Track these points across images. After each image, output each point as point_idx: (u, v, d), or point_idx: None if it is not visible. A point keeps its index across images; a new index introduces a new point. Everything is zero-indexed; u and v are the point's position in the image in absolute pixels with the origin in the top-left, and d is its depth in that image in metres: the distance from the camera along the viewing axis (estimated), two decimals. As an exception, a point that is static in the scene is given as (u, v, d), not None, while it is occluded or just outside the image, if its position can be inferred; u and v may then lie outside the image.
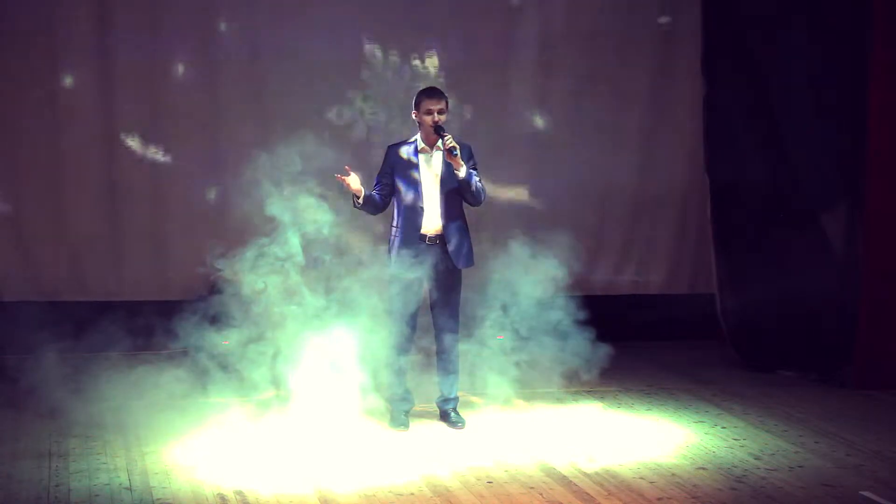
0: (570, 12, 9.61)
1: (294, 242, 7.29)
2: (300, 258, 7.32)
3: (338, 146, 7.76)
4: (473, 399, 7.92)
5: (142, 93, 9.03)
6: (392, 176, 7.22)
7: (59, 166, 8.99)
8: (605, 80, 9.70)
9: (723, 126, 9.21)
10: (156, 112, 9.09)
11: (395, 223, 7.27)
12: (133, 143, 9.07)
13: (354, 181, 7.10)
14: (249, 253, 7.33)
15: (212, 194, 9.14)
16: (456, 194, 7.18)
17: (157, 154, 9.12)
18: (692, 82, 9.56)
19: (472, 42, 9.50)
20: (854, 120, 8.38)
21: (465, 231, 7.26)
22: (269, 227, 7.37)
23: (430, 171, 7.20)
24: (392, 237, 7.28)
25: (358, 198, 7.13)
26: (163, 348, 8.14)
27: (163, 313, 8.20)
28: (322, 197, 7.30)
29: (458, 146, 6.98)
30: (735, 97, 9.12)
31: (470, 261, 7.30)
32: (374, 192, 7.23)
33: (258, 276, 7.33)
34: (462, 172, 7.04)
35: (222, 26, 9.14)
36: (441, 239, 7.19)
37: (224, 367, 7.52)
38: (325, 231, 7.32)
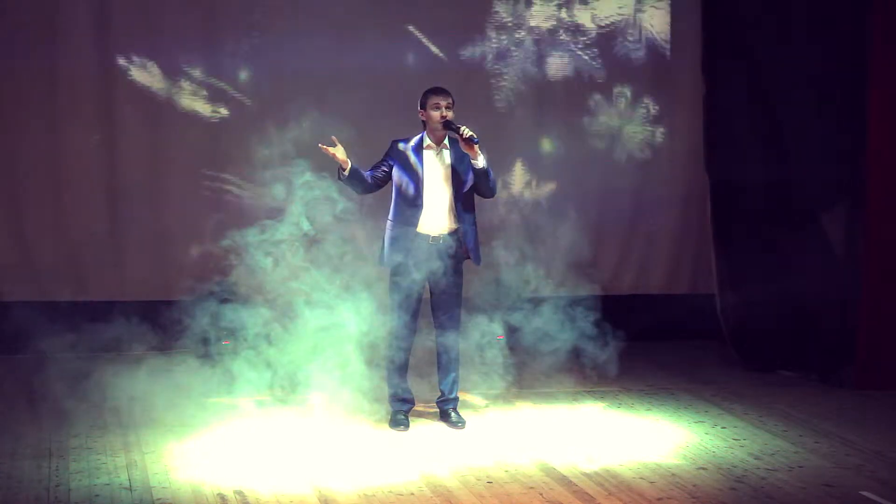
0: (571, 11, 9.61)
1: (303, 222, 7.29)
2: (307, 226, 7.31)
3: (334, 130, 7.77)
4: (473, 399, 7.92)
5: (142, 92, 9.03)
6: (391, 167, 7.19)
7: (59, 166, 8.99)
8: (605, 80, 9.70)
9: (723, 126, 9.21)
10: (156, 111, 9.09)
11: (390, 217, 7.23)
12: (133, 142, 9.07)
13: (340, 152, 7.04)
14: (256, 233, 7.36)
15: (213, 193, 9.14)
16: (465, 191, 7.16)
17: (157, 153, 9.12)
18: (692, 82, 9.56)
19: (472, 41, 9.50)
20: (854, 119, 8.38)
21: (475, 227, 7.24)
22: (274, 221, 7.41)
23: (435, 168, 7.17)
24: (387, 232, 7.24)
25: (343, 169, 7.06)
26: (163, 348, 8.14)
27: (163, 313, 8.22)
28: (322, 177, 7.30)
29: (476, 135, 6.96)
30: (735, 97, 9.11)
31: (478, 258, 7.30)
32: (363, 170, 7.16)
33: (266, 254, 7.35)
34: (480, 162, 7.02)
35: (222, 25, 9.14)
36: (444, 238, 7.18)
37: (225, 366, 7.55)
38: (335, 210, 7.32)
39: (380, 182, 7.21)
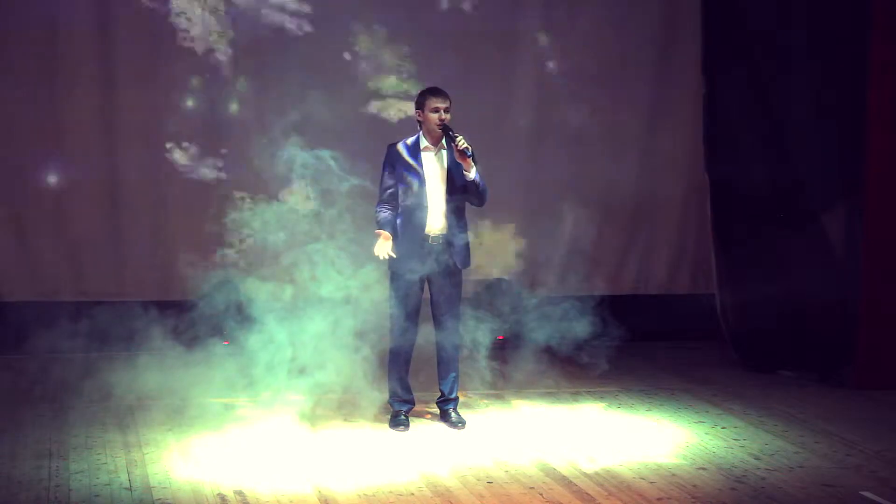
0: (571, 12, 9.62)
1: (308, 204, 7.30)
2: (314, 207, 7.32)
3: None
4: (473, 399, 7.92)
5: (141, 92, 9.03)
6: (394, 175, 7.18)
7: (59, 166, 8.99)
8: (605, 79, 9.71)
9: (723, 126, 9.22)
10: (156, 111, 9.09)
11: (398, 224, 7.22)
12: (133, 142, 9.07)
13: (388, 238, 7.02)
14: (257, 222, 7.38)
15: (214, 193, 9.14)
16: (459, 193, 7.16)
17: (157, 153, 9.12)
18: (692, 82, 9.57)
19: (472, 42, 9.50)
20: (854, 120, 8.38)
21: (466, 230, 7.24)
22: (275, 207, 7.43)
23: (434, 170, 7.15)
24: (396, 239, 7.22)
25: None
26: (163, 348, 8.14)
27: (163, 313, 8.22)
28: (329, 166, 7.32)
29: (470, 147, 6.95)
30: (735, 97, 9.12)
31: (468, 261, 7.28)
32: (387, 210, 7.10)
33: (268, 241, 7.37)
34: (472, 174, 7.00)
35: (222, 24, 9.15)
36: (443, 238, 7.16)
37: (225, 364, 7.56)
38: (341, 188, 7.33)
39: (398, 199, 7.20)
